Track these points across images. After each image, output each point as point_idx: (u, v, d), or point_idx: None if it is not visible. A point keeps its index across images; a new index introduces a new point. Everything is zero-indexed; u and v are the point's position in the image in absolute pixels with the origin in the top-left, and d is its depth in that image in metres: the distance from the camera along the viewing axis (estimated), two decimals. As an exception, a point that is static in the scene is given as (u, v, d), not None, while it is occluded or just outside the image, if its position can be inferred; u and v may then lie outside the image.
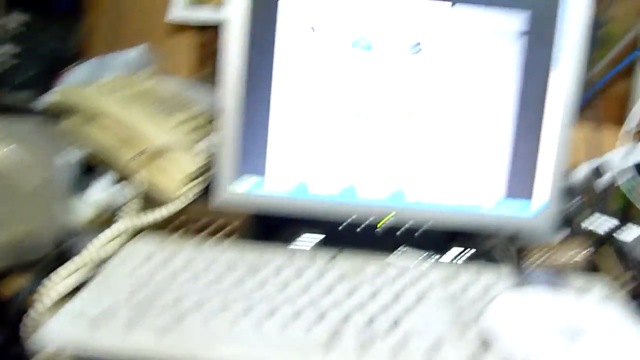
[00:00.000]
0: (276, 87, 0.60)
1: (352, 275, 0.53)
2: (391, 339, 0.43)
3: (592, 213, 0.65)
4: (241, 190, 0.62)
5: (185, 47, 0.96)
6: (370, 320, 0.46)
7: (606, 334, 0.44)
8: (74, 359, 0.42)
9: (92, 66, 0.89)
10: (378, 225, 0.63)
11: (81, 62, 0.90)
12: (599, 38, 0.74)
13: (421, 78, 0.60)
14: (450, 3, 0.59)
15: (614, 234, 0.62)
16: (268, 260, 0.54)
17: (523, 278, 0.54)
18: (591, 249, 0.62)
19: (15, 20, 0.87)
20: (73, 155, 0.66)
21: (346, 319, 0.46)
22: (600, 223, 0.65)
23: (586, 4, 0.58)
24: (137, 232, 0.61)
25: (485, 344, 0.43)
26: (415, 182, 0.62)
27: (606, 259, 0.61)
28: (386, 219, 0.62)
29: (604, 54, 0.74)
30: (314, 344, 0.42)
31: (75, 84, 0.86)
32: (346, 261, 0.55)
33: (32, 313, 0.47)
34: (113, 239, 0.58)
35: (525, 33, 0.59)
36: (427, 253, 0.62)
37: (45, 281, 0.51)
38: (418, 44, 0.60)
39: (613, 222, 0.64)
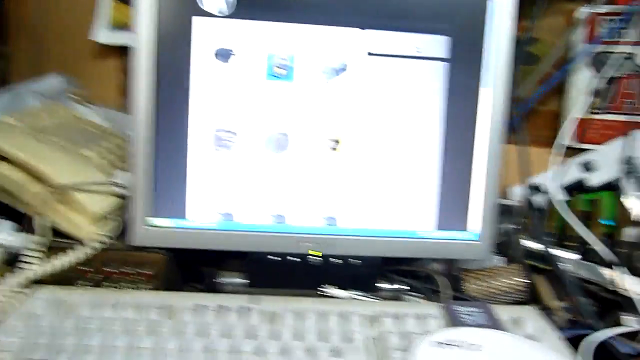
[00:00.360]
0: (192, 116, 0.57)
1: (275, 319, 0.49)
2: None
3: (528, 237, 0.64)
4: (161, 224, 0.58)
5: (111, 71, 0.91)
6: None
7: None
8: None
9: (12, 96, 0.84)
10: (310, 254, 0.59)
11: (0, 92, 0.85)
12: (527, 56, 0.73)
13: (345, 104, 0.58)
14: (362, 30, 0.56)
15: (551, 260, 0.61)
16: (182, 307, 0.50)
17: (454, 315, 0.51)
18: (528, 275, 0.60)
19: None
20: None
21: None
22: (537, 248, 0.63)
23: (508, 26, 0.57)
24: (42, 281, 0.55)
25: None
26: (346, 209, 0.59)
27: (544, 285, 0.60)
28: (315, 253, 0.59)
29: (531, 72, 0.73)
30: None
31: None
32: (267, 303, 0.51)
33: None
34: (15, 290, 0.53)
35: (447, 59, 0.57)
36: (357, 289, 0.59)
37: None
38: (341, 69, 0.57)
39: (549, 247, 0.62)
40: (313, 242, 0.59)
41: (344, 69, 0.57)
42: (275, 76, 0.57)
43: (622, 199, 0.64)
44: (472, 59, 0.58)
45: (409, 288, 0.62)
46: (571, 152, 0.71)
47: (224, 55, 0.56)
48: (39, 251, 0.57)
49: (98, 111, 0.85)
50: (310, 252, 0.59)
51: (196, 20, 0.56)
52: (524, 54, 0.68)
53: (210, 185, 0.58)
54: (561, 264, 0.61)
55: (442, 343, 0.45)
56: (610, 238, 0.64)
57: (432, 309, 0.53)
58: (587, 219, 0.65)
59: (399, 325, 0.50)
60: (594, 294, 0.60)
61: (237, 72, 0.57)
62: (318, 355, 0.44)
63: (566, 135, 0.69)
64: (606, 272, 0.59)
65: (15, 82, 0.88)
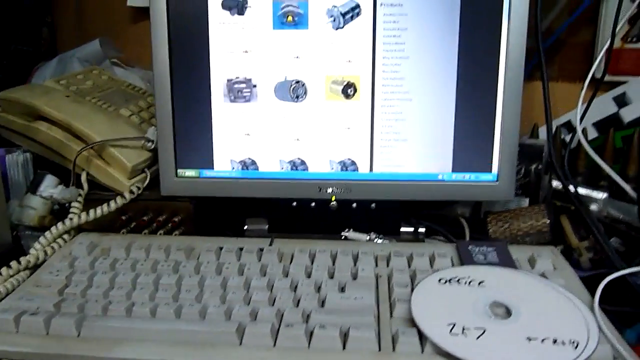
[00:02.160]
0: (212, 69, 0.59)
1: (289, 259, 0.52)
2: (311, 322, 0.42)
3: (555, 177, 0.62)
4: (188, 175, 0.61)
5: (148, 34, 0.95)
6: (295, 303, 0.45)
7: (534, 312, 0.42)
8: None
9: (59, 62, 0.90)
10: (332, 200, 0.61)
11: (48, 59, 0.91)
12: None
13: (359, 49, 0.57)
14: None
15: (577, 198, 0.59)
16: (205, 248, 0.53)
17: (467, 254, 0.51)
18: (552, 215, 0.59)
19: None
20: (21, 156, 0.66)
21: (270, 302, 0.45)
22: (565, 187, 0.61)
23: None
24: (85, 229, 0.61)
25: (406, 324, 0.42)
26: (366, 154, 0.60)
27: (568, 225, 0.58)
28: (332, 198, 0.60)
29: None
30: (228, 330, 0.41)
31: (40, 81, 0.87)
32: (285, 245, 0.54)
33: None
34: (60, 237, 0.59)
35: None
36: (380, 233, 0.60)
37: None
38: (351, 10, 0.57)
39: (576, 185, 0.60)
40: (333, 187, 0.60)
41: (357, 13, 0.57)
42: (287, 24, 0.58)
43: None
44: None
45: (428, 231, 0.62)
46: (605, 85, 0.67)
47: (238, 6, 0.57)
48: (81, 202, 0.62)
49: (136, 72, 0.89)
50: (333, 195, 0.60)
51: (208, -25, 0.57)
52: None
53: (233, 135, 0.60)
54: (590, 203, 0.59)
55: (445, 279, 0.46)
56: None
57: (446, 249, 0.53)
58: (623, 156, 0.62)
59: (409, 264, 0.51)
60: (624, 233, 0.57)
61: (251, 23, 0.58)
62: (322, 291, 0.46)
63: (598, 67, 0.64)
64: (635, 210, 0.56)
65: (61, 49, 0.94)
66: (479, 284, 0.45)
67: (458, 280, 0.45)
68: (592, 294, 0.45)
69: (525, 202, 0.64)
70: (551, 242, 0.59)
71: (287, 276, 0.49)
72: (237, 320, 0.42)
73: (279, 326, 0.42)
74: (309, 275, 0.49)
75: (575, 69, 0.70)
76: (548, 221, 0.58)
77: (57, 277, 0.49)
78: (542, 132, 0.70)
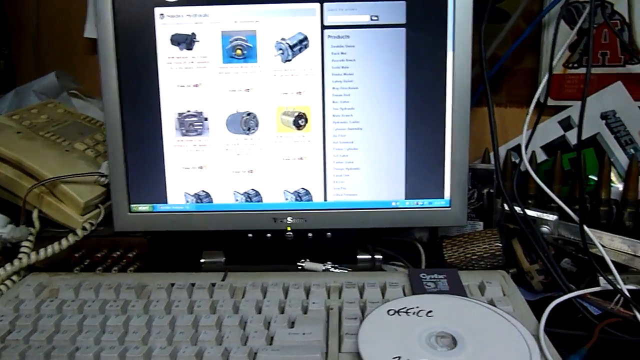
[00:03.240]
0: (162, 103, 0.59)
1: (240, 294, 0.51)
2: (262, 356, 0.42)
3: (506, 200, 0.63)
4: (140, 210, 0.61)
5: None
6: (244, 341, 0.44)
7: (482, 342, 0.42)
8: None
9: (15, 95, 0.89)
10: (288, 230, 0.61)
11: (5, 92, 0.90)
12: (497, 13, 0.70)
13: (307, 78, 0.58)
14: (318, 3, 0.56)
15: (528, 221, 0.60)
16: (156, 286, 0.52)
17: (418, 282, 0.51)
18: (504, 238, 0.60)
19: None
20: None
21: (218, 341, 0.44)
22: (513, 211, 0.62)
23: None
24: (35, 269, 0.59)
25: (355, 358, 0.42)
26: (319, 183, 0.60)
27: (520, 248, 0.59)
28: (288, 228, 0.60)
29: (501, 29, 0.70)
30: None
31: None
32: (238, 279, 0.54)
33: None
34: (8, 277, 0.57)
35: (404, 24, 0.56)
36: (336, 261, 0.60)
37: None
38: (302, 45, 0.58)
39: (527, 208, 0.61)
40: (288, 217, 0.60)
41: (305, 46, 0.58)
42: (236, 58, 0.58)
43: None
44: (431, 22, 0.56)
45: (385, 257, 0.63)
46: (550, 110, 0.69)
47: (187, 41, 0.58)
48: (31, 241, 0.61)
49: (95, 104, 0.88)
50: (288, 225, 0.60)
51: (158, 11, 0.57)
52: (492, 10, 0.65)
53: (186, 168, 0.60)
54: (542, 225, 0.60)
55: (394, 310, 0.46)
56: (594, 196, 0.62)
57: (399, 278, 0.53)
58: (571, 178, 0.64)
59: (361, 295, 0.51)
60: (574, 256, 0.59)
61: (200, 57, 0.58)
62: (272, 327, 0.46)
63: (542, 92, 0.66)
64: (588, 232, 0.57)
65: (19, 82, 0.93)
66: (427, 314, 0.45)
67: (407, 311, 0.46)
68: (540, 319, 0.45)
69: (480, 225, 0.64)
70: (505, 264, 0.59)
71: (237, 312, 0.48)
72: (182, 362, 0.41)
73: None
74: (259, 311, 0.48)
75: (522, 94, 0.72)
76: (500, 245, 0.59)
77: (1, 323, 0.48)
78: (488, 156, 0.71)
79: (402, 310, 0.46)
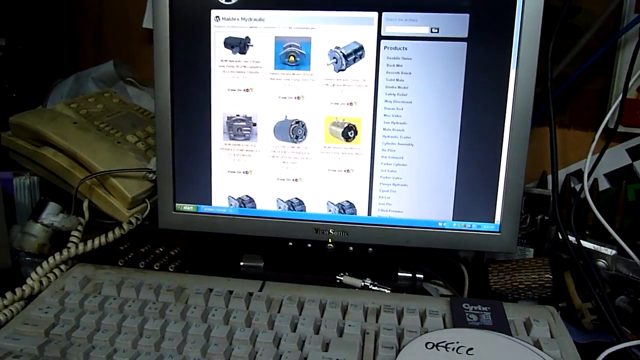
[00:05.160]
0: (213, 106, 0.58)
1: (277, 307, 0.51)
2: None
3: (561, 229, 0.59)
4: (185, 210, 0.61)
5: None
6: (277, 358, 0.44)
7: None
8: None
9: (75, 80, 0.91)
10: (329, 242, 0.60)
11: (66, 76, 0.93)
12: (568, 28, 0.66)
13: (360, 89, 0.56)
14: (376, 12, 0.54)
15: (583, 253, 0.56)
16: (196, 291, 0.53)
17: (459, 313, 0.49)
18: (555, 270, 0.56)
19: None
20: (26, 180, 0.67)
21: (251, 357, 0.44)
22: (571, 240, 0.59)
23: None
24: (82, 258, 0.61)
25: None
26: (365, 197, 0.58)
27: (572, 282, 0.55)
28: (329, 240, 0.59)
29: (573, 46, 0.65)
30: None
31: (53, 103, 0.89)
32: (276, 290, 0.53)
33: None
34: (57, 267, 0.59)
35: (466, 38, 0.53)
36: (376, 277, 0.59)
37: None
38: (357, 55, 0.56)
39: (583, 239, 0.57)
40: (330, 229, 0.59)
41: (360, 56, 0.56)
42: (289, 65, 0.57)
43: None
44: (495, 36, 0.53)
45: (426, 276, 0.61)
46: (619, 136, 0.64)
47: (240, 45, 0.57)
48: (80, 231, 0.62)
49: (149, 92, 0.90)
50: (330, 237, 0.59)
51: (214, 13, 0.57)
52: (564, 26, 0.60)
53: (232, 172, 0.60)
54: (598, 259, 0.57)
55: (433, 344, 0.44)
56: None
57: (439, 305, 0.51)
58: (635, 210, 0.59)
59: (399, 321, 0.49)
60: (632, 296, 0.55)
61: (253, 62, 0.57)
62: (305, 348, 0.45)
63: (612, 117, 0.62)
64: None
65: (80, 67, 0.95)
66: (468, 351, 0.43)
67: (446, 346, 0.44)
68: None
69: (530, 252, 0.61)
70: (554, 297, 0.56)
71: (272, 328, 0.48)
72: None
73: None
74: (294, 329, 0.48)
75: (588, 117, 0.67)
76: (551, 276, 0.56)
77: (46, 315, 0.50)
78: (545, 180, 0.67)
79: (441, 345, 0.44)
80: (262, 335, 0.46)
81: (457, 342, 0.44)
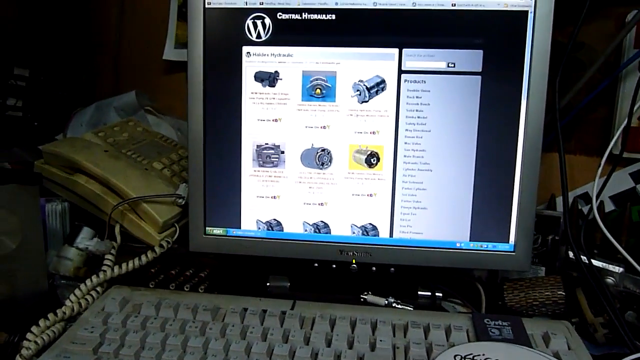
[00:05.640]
0: (243, 135, 0.62)
1: (309, 325, 0.54)
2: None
3: (572, 248, 0.63)
4: (215, 233, 0.64)
5: (182, 84, 1.00)
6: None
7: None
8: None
9: (96, 109, 0.95)
10: (353, 263, 0.63)
11: (85, 105, 0.96)
12: (573, 62, 0.71)
13: (382, 118, 0.60)
14: (397, 49, 0.59)
15: (593, 271, 0.60)
16: (231, 310, 0.56)
17: (482, 328, 0.53)
18: (567, 287, 0.60)
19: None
20: (59, 207, 0.70)
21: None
22: (585, 257, 0.62)
23: (547, 36, 0.56)
24: (116, 281, 0.64)
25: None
26: (387, 220, 0.62)
27: (584, 298, 0.59)
28: (353, 261, 0.63)
29: (578, 79, 0.71)
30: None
31: (75, 130, 0.92)
32: (306, 309, 0.56)
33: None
34: (92, 289, 0.62)
35: (480, 72, 0.58)
36: (397, 296, 0.62)
37: (28, 333, 0.55)
38: (379, 88, 0.60)
39: (592, 258, 0.61)
40: (354, 251, 0.63)
41: (382, 88, 0.60)
42: (315, 97, 0.61)
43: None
44: (506, 71, 0.58)
45: (444, 294, 0.64)
46: (623, 161, 0.69)
47: (270, 79, 0.61)
48: (113, 254, 0.65)
49: (167, 120, 0.94)
50: (354, 258, 0.63)
51: (245, 49, 0.61)
52: (569, 60, 0.66)
53: (260, 197, 0.63)
54: (606, 276, 0.60)
55: (462, 357, 0.47)
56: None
57: (462, 321, 0.55)
58: (639, 230, 0.63)
59: (426, 336, 0.52)
60: (639, 311, 0.58)
61: (281, 94, 0.61)
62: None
63: (616, 144, 0.66)
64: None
65: (99, 97, 0.99)
66: (495, 362, 0.46)
67: (473, 358, 0.47)
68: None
69: (542, 271, 0.65)
70: (567, 313, 0.60)
71: (308, 344, 0.51)
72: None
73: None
74: (329, 344, 0.51)
75: (593, 144, 0.72)
76: (563, 294, 0.59)
77: (92, 334, 0.52)
78: (560, 202, 0.71)
79: (468, 357, 0.47)
80: (299, 351, 0.49)
81: (484, 355, 0.47)
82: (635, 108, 0.64)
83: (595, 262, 0.60)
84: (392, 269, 0.63)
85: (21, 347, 0.52)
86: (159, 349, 0.50)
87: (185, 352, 0.50)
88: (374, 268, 0.63)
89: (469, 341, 0.51)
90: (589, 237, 0.66)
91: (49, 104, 0.97)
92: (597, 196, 0.64)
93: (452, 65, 0.59)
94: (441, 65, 0.59)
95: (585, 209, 0.67)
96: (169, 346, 0.51)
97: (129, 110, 0.93)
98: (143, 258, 0.65)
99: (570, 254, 0.62)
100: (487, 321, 0.54)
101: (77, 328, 0.54)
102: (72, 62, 1.02)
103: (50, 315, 0.57)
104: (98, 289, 0.62)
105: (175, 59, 0.96)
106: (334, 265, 0.64)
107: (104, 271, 0.63)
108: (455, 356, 0.47)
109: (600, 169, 0.65)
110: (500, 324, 0.53)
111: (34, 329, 0.54)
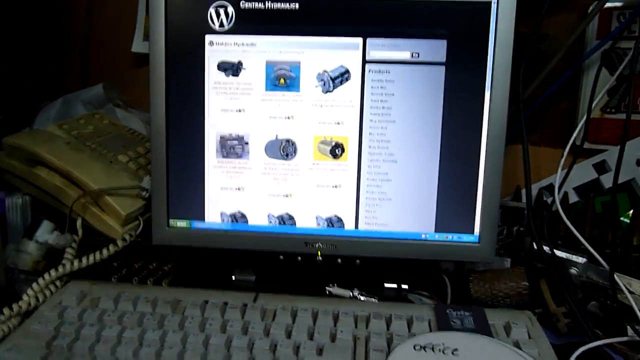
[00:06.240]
0: (206, 126, 0.61)
1: (271, 317, 0.53)
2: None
3: (535, 240, 0.63)
4: (178, 225, 0.63)
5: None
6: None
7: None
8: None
9: (63, 103, 0.93)
10: (318, 255, 0.63)
11: (53, 99, 0.94)
12: (537, 53, 0.71)
13: (347, 111, 0.60)
14: (361, 38, 0.58)
15: (556, 262, 0.60)
16: (191, 303, 0.55)
17: (444, 318, 0.52)
18: (531, 278, 0.60)
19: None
20: (19, 200, 0.69)
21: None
22: (549, 248, 0.62)
23: (510, 27, 0.56)
24: (77, 275, 0.62)
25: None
26: (352, 212, 0.62)
27: (547, 289, 0.59)
28: (320, 251, 0.62)
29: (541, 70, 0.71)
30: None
31: (42, 124, 0.90)
32: (269, 301, 0.55)
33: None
34: (52, 283, 0.60)
35: (445, 62, 0.58)
36: (363, 288, 0.61)
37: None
38: (343, 77, 0.60)
39: (556, 249, 0.61)
40: (320, 242, 0.62)
41: (346, 78, 0.60)
42: (279, 87, 0.60)
43: None
44: (470, 61, 0.58)
45: (410, 286, 0.64)
46: (585, 152, 0.69)
47: (233, 68, 0.60)
48: (74, 248, 0.64)
49: (137, 115, 0.92)
50: (319, 250, 0.62)
51: (208, 38, 0.60)
52: (533, 51, 0.66)
53: (224, 189, 0.62)
54: (570, 267, 0.61)
55: (420, 346, 0.47)
56: (625, 242, 0.62)
57: (425, 312, 0.54)
58: (602, 221, 0.64)
59: (387, 327, 0.52)
60: (602, 301, 0.59)
61: (245, 84, 0.60)
62: (301, 353, 0.47)
63: (579, 135, 0.67)
64: (617, 279, 0.57)
65: (67, 90, 0.97)
66: (453, 352, 0.46)
67: (432, 348, 0.47)
68: (564, 365, 0.46)
69: (507, 262, 0.65)
70: (530, 303, 0.60)
71: (267, 336, 0.50)
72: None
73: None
74: (289, 336, 0.50)
75: (557, 135, 0.73)
76: (527, 284, 0.59)
77: (46, 328, 0.51)
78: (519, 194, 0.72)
79: (427, 347, 0.47)
80: (258, 342, 0.49)
81: (443, 344, 0.47)
82: (596, 99, 0.65)
83: (558, 253, 0.60)
84: (358, 261, 0.63)
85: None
86: (115, 342, 0.49)
87: (142, 345, 0.49)
88: (339, 260, 0.63)
89: (431, 331, 0.51)
90: (553, 228, 0.66)
91: (15, 98, 0.95)
92: (560, 187, 0.64)
93: (417, 55, 0.58)
94: (405, 55, 0.59)
95: (550, 201, 0.67)
96: (125, 339, 0.49)
97: (96, 103, 0.92)
98: (105, 251, 0.64)
99: (534, 245, 0.62)
100: (449, 311, 0.53)
101: (32, 322, 0.53)
102: (40, 55, 1.00)
103: (6, 310, 0.55)
104: (57, 283, 0.61)
105: (145, 51, 0.94)
106: (299, 258, 0.63)
107: (64, 265, 0.61)
108: (414, 346, 0.47)
109: (563, 160, 0.65)
110: (462, 314, 0.53)
111: (-13, 323, 0.52)
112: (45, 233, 0.65)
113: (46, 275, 0.59)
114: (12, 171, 0.72)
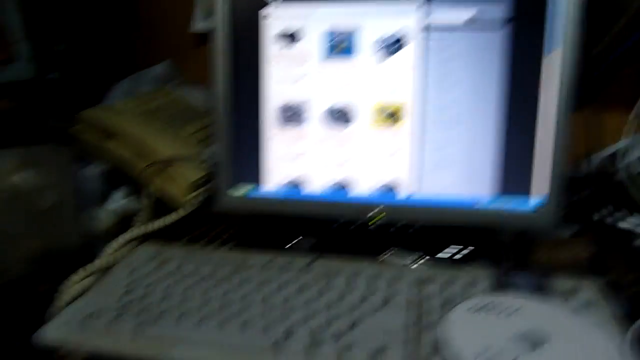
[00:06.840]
0: (266, 94, 0.63)
1: (327, 279, 0.54)
2: (341, 341, 0.45)
3: (603, 207, 0.61)
4: (239, 194, 0.66)
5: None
6: (328, 323, 0.47)
7: (565, 346, 0.42)
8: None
9: (131, 81, 0.98)
10: (370, 224, 0.63)
11: (118, 81, 1.00)
12: (608, 8, 0.67)
13: (404, 75, 0.60)
14: (419, 2, 0.58)
15: (622, 231, 0.58)
16: (251, 264, 0.57)
17: (503, 281, 0.52)
18: (596, 247, 0.58)
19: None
20: (94, 170, 0.74)
21: (305, 320, 0.48)
22: (613, 218, 0.60)
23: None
24: (147, 238, 0.67)
25: (434, 351, 0.43)
26: (408, 179, 0.62)
27: (612, 258, 0.57)
28: (378, 218, 0.63)
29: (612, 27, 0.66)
30: (265, 345, 0.45)
31: (113, 101, 0.95)
32: (326, 264, 0.57)
33: (49, 314, 0.54)
34: (125, 245, 0.65)
35: (509, 20, 0.56)
36: (418, 253, 0.61)
37: (62, 286, 0.58)
38: (401, 43, 0.59)
39: (626, 216, 0.59)
40: (376, 209, 0.62)
41: (404, 44, 0.59)
42: (338, 53, 0.61)
43: None
44: (535, 20, 0.56)
45: (469, 253, 0.63)
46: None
47: (291, 37, 0.61)
48: (145, 213, 0.68)
49: (197, 92, 0.96)
50: (376, 217, 0.63)
51: (266, 10, 0.61)
52: (603, 6, 0.62)
53: (283, 157, 0.64)
54: (636, 237, 0.58)
55: (478, 307, 0.47)
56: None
57: (483, 276, 0.54)
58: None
59: (446, 289, 0.52)
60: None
61: (303, 53, 0.61)
62: (356, 311, 0.48)
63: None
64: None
65: (137, 68, 1.02)
66: (513, 313, 0.46)
67: (491, 309, 0.46)
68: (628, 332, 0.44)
69: (571, 230, 0.63)
70: (594, 274, 0.58)
71: (322, 296, 0.51)
72: (273, 336, 0.46)
73: (311, 345, 0.45)
74: (343, 298, 0.51)
75: (623, 100, 0.68)
76: (591, 253, 0.57)
77: (119, 285, 0.55)
78: (591, 161, 0.69)
79: (486, 307, 0.47)
80: (314, 303, 0.50)
81: (502, 305, 0.47)
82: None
83: (622, 223, 0.58)
84: (414, 227, 0.63)
85: (55, 297, 0.55)
86: (181, 298, 0.52)
87: (206, 301, 0.51)
88: (395, 227, 0.63)
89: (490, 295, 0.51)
90: (618, 197, 0.63)
91: (90, 77, 1.01)
92: (625, 156, 0.61)
93: (477, 18, 0.57)
94: (466, 17, 0.57)
95: (615, 169, 0.64)
96: (190, 296, 0.52)
97: (162, 81, 0.96)
98: (173, 215, 0.67)
99: (600, 214, 0.60)
100: (508, 276, 0.53)
101: (105, 280, 0.57)
102: (111, 38, 1.05)
103: (81, 270, 0.60)
104: (129, 245, 0.65)
105: (204, 30, 0.97)
106: (356, 225, 0.64)
107: (135, 228, 0.66)
108: (472, 307, 0.47)
109: (630, 127, 0.61)
110: (523, 279, 0.52)
111: (69, 280, 0.57)
112: (118, 200, 0.69)
113: (120, 238, 0.64)
114: (89, 143, 0.77)
